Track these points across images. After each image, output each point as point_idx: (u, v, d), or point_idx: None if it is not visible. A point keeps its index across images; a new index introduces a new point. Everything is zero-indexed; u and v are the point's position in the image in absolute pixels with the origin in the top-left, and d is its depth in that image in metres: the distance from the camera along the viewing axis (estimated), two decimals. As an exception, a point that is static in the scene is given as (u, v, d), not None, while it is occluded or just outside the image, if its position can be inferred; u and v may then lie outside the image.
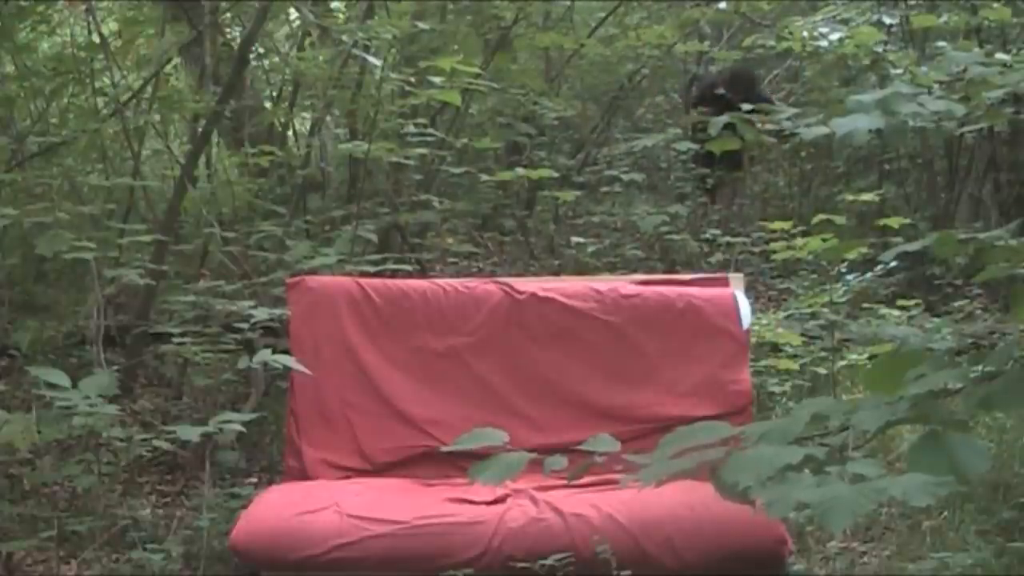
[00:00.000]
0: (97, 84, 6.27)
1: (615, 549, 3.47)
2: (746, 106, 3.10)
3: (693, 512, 3.52)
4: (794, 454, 1.82)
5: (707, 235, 7.17)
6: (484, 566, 3.55)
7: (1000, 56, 3.74)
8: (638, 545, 3.52)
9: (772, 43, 6.92)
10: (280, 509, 3.73)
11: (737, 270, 5.64)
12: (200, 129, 5.81)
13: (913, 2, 7.26)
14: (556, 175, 6.41)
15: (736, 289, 4.28)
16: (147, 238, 5.18)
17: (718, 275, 4.51)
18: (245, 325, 4.56)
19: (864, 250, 4.49)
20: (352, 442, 4.12)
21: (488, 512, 3.62)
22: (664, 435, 2.15)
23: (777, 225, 5.51)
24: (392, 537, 3.60)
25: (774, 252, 5.55)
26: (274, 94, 7.43)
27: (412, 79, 5.35)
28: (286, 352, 4.12)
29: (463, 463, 3.62)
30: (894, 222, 5.12)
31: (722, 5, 7.32)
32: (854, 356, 5.52)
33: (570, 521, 3.59)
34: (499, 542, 3.56)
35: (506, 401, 4.12)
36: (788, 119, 3.37)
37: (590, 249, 6.96)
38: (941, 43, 6.39)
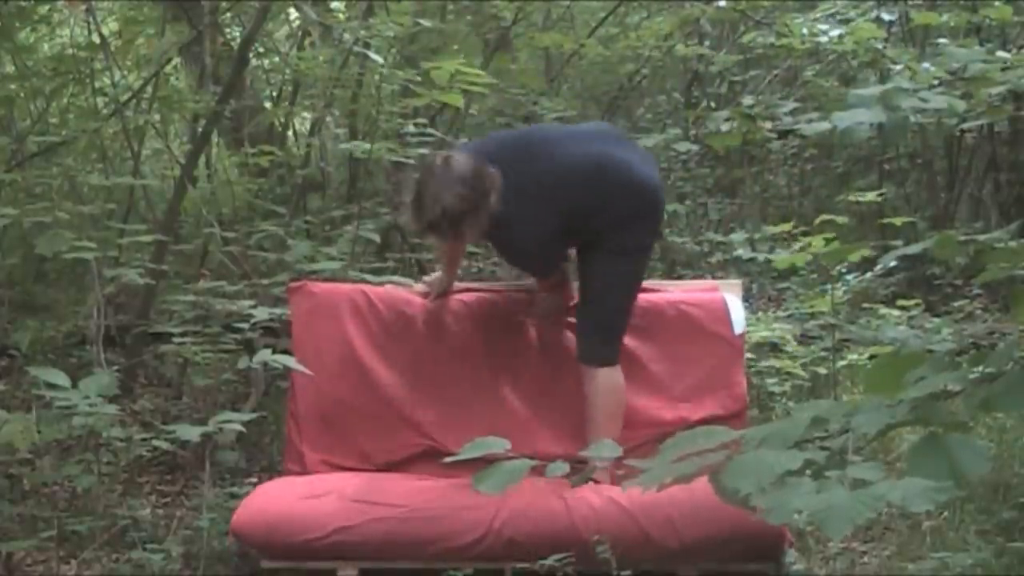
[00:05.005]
0: (97, 84, 6.27)
1: (617, 531, 3.48)
2: None
3: (693, 494, 3.53)
4: (794, 459, 1.81)
5: (707, 236, 7.16)
6: (485, 549, 3.56)
7: (1001, 54, 3.73)
8: (640, 526, 3.54)
9: (772, 40, 6.91)
10: (282, 494, 3.75)
11: (737, 270, 5.65)
12: (200, 129, 5.81)
13: (912, 2, 7.25)
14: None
15: (730, 294, 4.28)
16: (147, 238, 5.17)
17: (707, 282, 4.52)
18: (245, 325, 4.55)
19: (864, 251, 4.48)
20: (353, 445, 4.13)
21: (489, 496, 3.62)
22: (660, 440, 2.15)
23: (779, 228, 5.50)
24: (393, 521, 3.61)
25: (772, 261, 5.51)
26: (274, 94, 7.43)
27: (418, 78, 5.34)
28: (286, 352, 4.12)
29: (464, 465, 3.62)
30: (896, 220, 5.11)
31: (721, 3, 7.30)
32: (854, 356, 5.52)
33: (571, 504, 3.60)
34: (500, 525, 3.57)
35: (506, 405, 4.13)
36: (788, 113, 3.38)
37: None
38: (942, 40, 6.39)
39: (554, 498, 3.62)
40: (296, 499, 3.70)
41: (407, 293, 4.32)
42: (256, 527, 3.66)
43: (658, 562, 3.58)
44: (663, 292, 4.31)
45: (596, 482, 3.78)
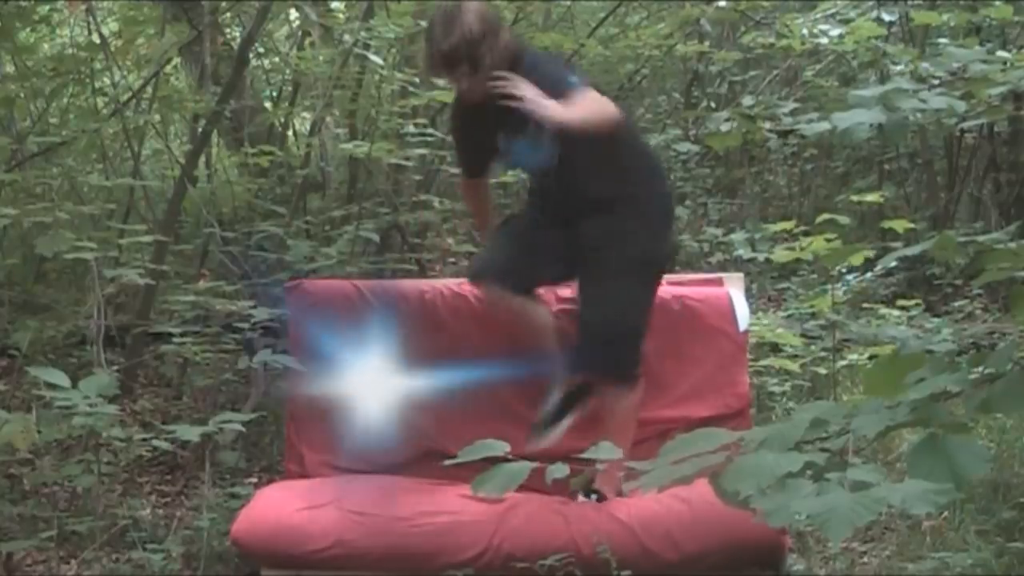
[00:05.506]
0: (97, 84, 6.27)
1: (616, 545, 3.48)
2: None
3: (692, 506, 3.53)
4: (794, 461, 1.81)
5: (706, 236, 7.17)
6: (485, 564, 3.56)
7: (1001, 54, 3.73)
8: (638, 540, 3.54)
9: (772, 40, 6.91)
10: (282, 504, 3.75)
11: (737, 270, 5.63)
12: (200, 129, 5.81)
13: (912, 2, 7.25)
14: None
15: (734, 290, 4.26)
16: (147, 238, 5.17)
17: (713, 276, 4.49)
18: (245, 325, 4.55)
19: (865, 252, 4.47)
20: (352, 447, 4.12)
21: (489, 510, 3.63)
22: (662, 437, 2.15)
23: (779, 227, 5.50)
24: (393, 535, 3.61)
25: (771, 258, 5.52)
26: (274, 94, 7.43)
27: (418, 78, 5.33)
28: (286, 352, 4.12)
29: (464, 466, 3.61)
30: (898, 225, 5.09)
31: (721, 3, 7.30)
32: (854, 356, 5.51)
33: (570, 519, 3.60)
34: (499, 540, 3.57)
35: (506, 404, 4.11)
36: (788, 113, 3.37)
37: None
38: (942, 40, 6.39)
39: (553, 514, 3.62)
40: (296, 509, 3.69)
41: (404, 288, 4.30)
42: (256, 536, 3.66)
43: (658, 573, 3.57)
44: (667, 285, 4.30)
45: (599, 495, 3.76)
